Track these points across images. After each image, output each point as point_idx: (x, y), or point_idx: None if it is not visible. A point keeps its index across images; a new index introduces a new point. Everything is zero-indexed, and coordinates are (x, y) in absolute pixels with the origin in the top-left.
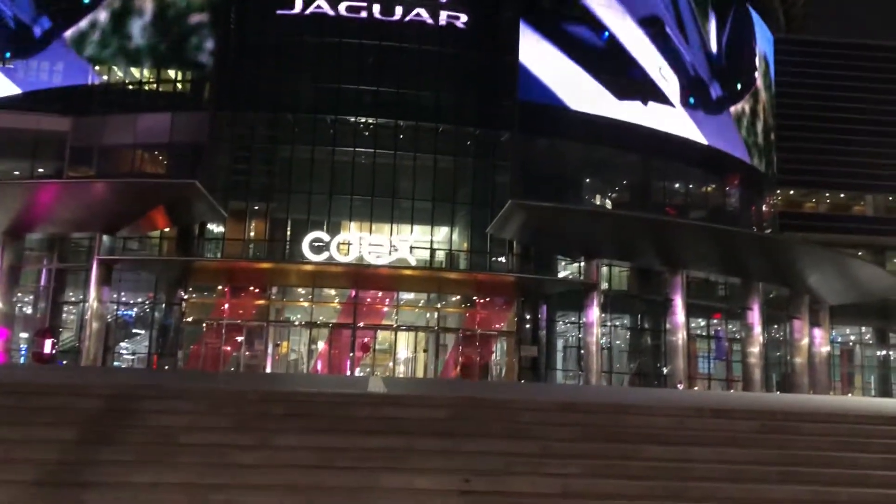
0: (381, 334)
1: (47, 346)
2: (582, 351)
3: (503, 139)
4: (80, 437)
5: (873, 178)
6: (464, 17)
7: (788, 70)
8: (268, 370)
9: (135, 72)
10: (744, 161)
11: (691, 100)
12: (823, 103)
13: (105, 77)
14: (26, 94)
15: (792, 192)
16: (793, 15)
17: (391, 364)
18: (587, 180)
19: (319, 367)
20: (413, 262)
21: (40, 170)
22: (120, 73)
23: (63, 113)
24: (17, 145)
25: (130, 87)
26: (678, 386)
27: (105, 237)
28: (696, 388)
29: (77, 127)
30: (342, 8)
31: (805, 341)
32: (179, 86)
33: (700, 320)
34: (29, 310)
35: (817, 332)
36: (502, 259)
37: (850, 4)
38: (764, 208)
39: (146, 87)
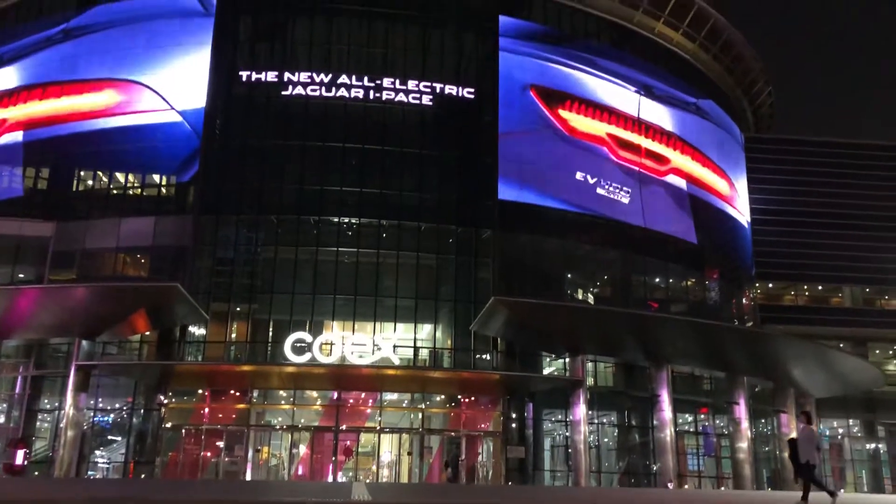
0: (364, 437)
1: (19, 457)
2: (569, 450)
3: (484, 236)
4: None
5: (849, 271)
6: (444, 121)
7: (760, 167)
8: (248, 477)
9: (119, 176)
10: (724, 255)
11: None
12: (796, 198)
13: (90, 182)
14: (9, 199)
15: (771, 285)
16: (761, 115)
17: (375, 468)
18: (569, 275)
19: (301, 472)
20: (396, 362)
21: (21, 275)
22: (104, 178)
23: (46, 218)
24: None
25: (114, 191)
26: (668, 485)
27: (84, 342)
28: (686, 487)
29: (60, 231)
30: (326, 112)
31: (793, 435)
32: (164, 190)
33: (687, 416)
34: (1, 418)
35: None
36: (487, 356)
37: (813, 104)
38: (744, 301)
39: (130, 192)
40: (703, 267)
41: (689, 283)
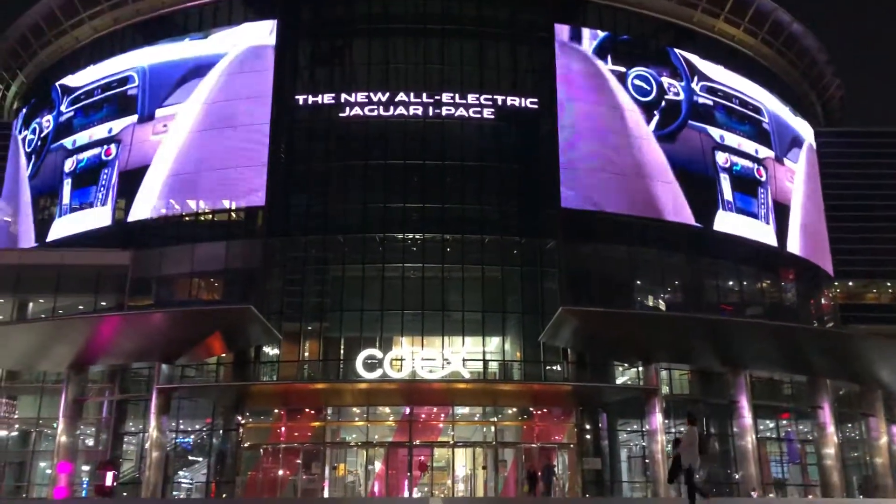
0: (437, 452)
1: (109, 479)
2: (647, 460)
3: (549, 246)
4: None
5: None
6: (503, 133)
7: (834, 161)
8: (325, 494)
9: (191, 204)
10: (797, 255)
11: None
12: (872, 192)
13: (163, 211)
14: (90, 231)
15: (851, 283)
16: (831, 108)
17: (450, 482)
18: (637, 282)
19: (377, 488)
20: (467, 375)
21: (103, 303)
22: (177, 207)
23: (124, 247)
24: (81, 281)
25: (187, 218)
26: (752, 494)
27: (164, 366)
28: (771, 496)
29: (137, 260)
30: (386, 131)
31: (883, 440)
32: (233, 215)
33: (768, 422)
34: (91, 442)
35: None
36: (557, 367)
37: (886, 94)
38: (823, 301)
39: (202, 219)
40: (776, 267)
41: (762, 284)
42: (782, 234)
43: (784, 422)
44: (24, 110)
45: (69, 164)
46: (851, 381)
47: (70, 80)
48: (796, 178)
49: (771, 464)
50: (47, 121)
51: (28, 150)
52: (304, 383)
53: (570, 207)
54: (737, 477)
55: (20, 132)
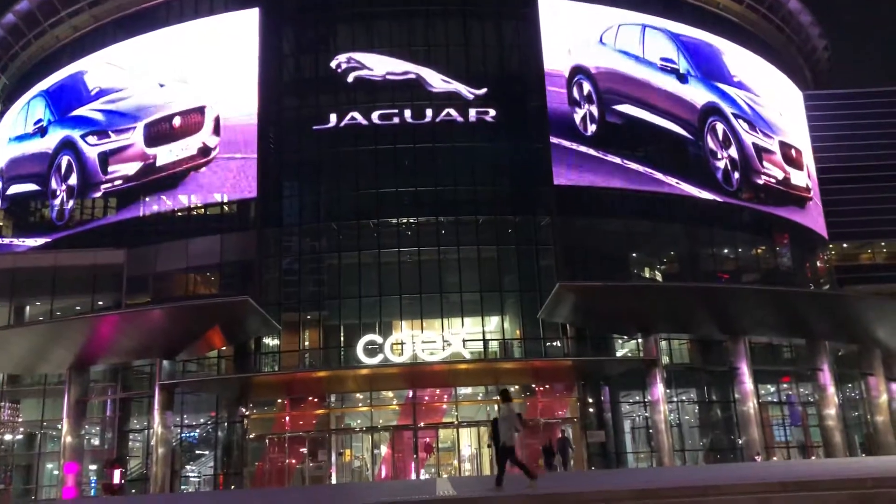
0: (442, 433)
1: (116, 477)
2: (651, 430)
3: (543, 223)
4: None
5: None
6: (492, 112)
7: (823, 125)
8: (333, 480)
9: (183, 199)
10: (791, 219)
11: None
12: (862, 153)
13: (155, 207)
14: (83, 231)
15: (845, 245)
16: (818, 70)
17: (456, 462)
18: (633, 255)
19: (384, 472)
20: (467, 356)
21: (100, 302)
22: (169, 203)
23: (118, 246)
24: (77, 281)
25: (179, 213)
26: (756, 458)
27: (165, 362)
28: (774, 459)
29: (132, 258)
30: (375, 117)
31: (884, 398)
32: (226, 208)
33: (769, 386)
34: (96, 441)
35: None
36: (557, 343)
37: (873, 54)
38: (818, 264)
39: (195, 213)
40: (770, 233)
41: (758, 251)
42: (778, 200)
43: (785, 385)
44: (6, 113)
45: (55, 164)
46: (850, 342)
47: (50, 81)
48: (789, 140)
49: (773, 427)
50: (31, 125)
51: (8, 156)
52: (306, 372)
53: (562, 184)
54: (740, 443)
55: None
